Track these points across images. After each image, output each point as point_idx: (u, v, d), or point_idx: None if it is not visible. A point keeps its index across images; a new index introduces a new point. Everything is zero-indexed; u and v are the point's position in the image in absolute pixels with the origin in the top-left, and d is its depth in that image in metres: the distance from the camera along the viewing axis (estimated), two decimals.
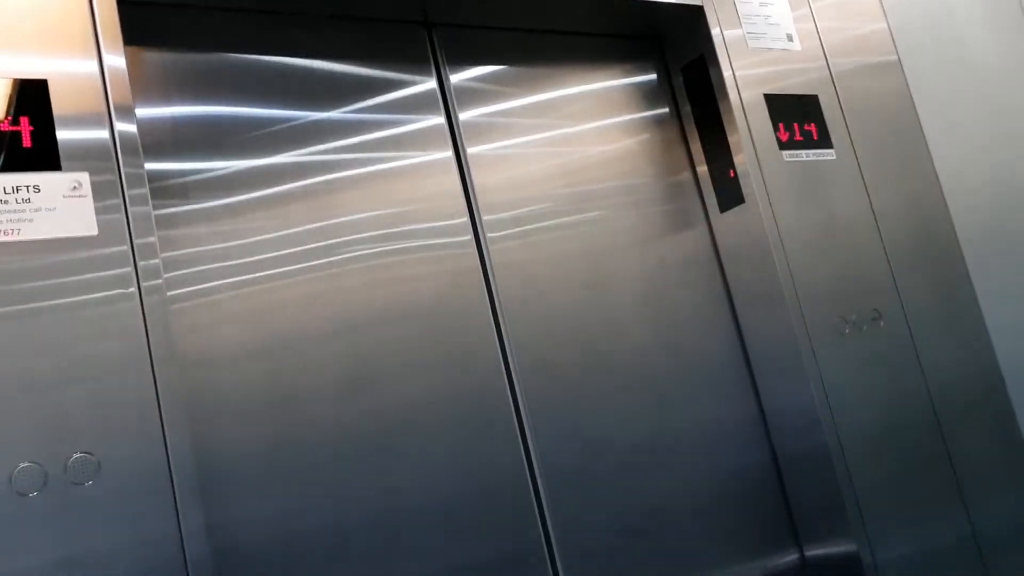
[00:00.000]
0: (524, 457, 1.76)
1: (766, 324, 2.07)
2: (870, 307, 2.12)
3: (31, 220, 1.25)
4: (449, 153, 1.87)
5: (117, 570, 1.20)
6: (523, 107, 2.01)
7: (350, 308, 1.66)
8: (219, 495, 1.43)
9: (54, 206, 1.27)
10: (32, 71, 1.32)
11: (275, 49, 1.74)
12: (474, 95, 1.95)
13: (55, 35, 1.36)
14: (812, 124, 2.19)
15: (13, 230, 1.24)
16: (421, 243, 1.78)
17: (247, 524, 1.47)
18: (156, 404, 1.28)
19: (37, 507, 1.18)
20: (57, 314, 1.25)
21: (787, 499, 2.08)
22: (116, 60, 1.38)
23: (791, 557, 2.05)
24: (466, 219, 1.85)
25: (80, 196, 1.29)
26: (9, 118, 1.28)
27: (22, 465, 1.19)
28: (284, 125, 1.71)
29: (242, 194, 1.63)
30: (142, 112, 1.55)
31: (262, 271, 1.60)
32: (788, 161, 2.12)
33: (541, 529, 1.74)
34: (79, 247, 1.27)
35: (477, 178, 1.88)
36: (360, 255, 1.70)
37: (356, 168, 1.76)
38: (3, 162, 1.26)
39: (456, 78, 1.93)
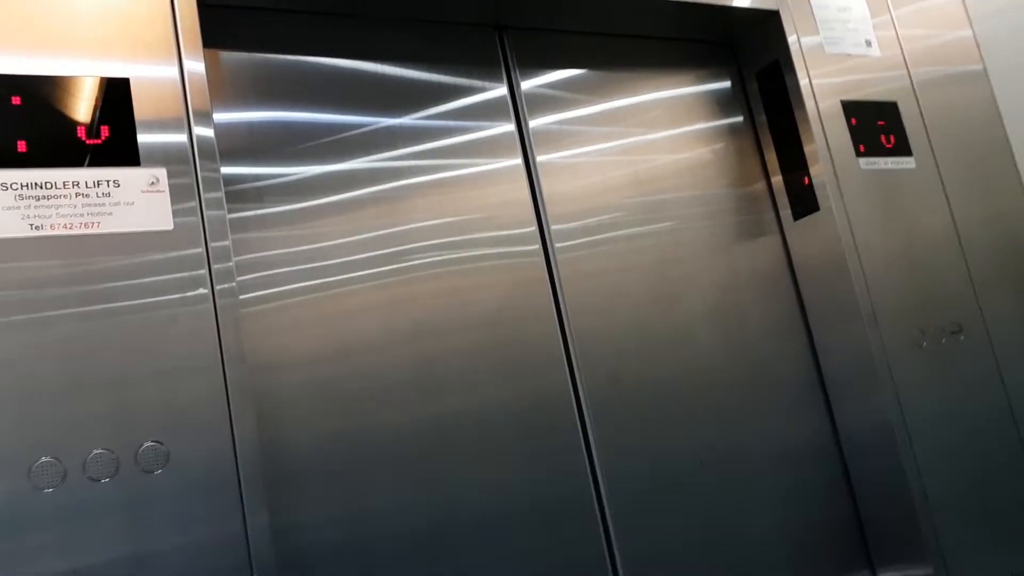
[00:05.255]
0: (588, 469, 1.75)
1: (840, 336, 2.02)
2: (950, 321, 2.06)
3: (110, 213, 1.29)
4: (519, 161, 1.88)
5: (184, 563, 1.22)
6: (593, 115, 2.00)
7: (418, 314, 1.67)
8: (283, 497, 1.45)
9: (132, 200, 1.31)
10: (115, 72, 1.36)
11: (348, 52, 1.77)
12: (544, 102, 1.95)
13: (138, 38, 1.39)
14: (891, 131, 2.14)
15: (94, 223, 1.28)
16: (489, 251, 1.78)
17: (310, 527, 1.48)
18: (226, 402, 1.30)
19: (109, 494, 1.21)
20: (134, 312, 1.27)
21: (860, 519, 2.02)
22: (196, 65, 1.41)
23: None
24: (534, 228, 1.85)
25: (157, 191, 1.32)
26: (92, 115, 1.32)
27: (95, 452, 1.21)
28: (356, 131, 1.73)
29: (314, 199, 1.65)
30: (218, 116, 1.58)
31: (332, 276, 1.62)
32: (865, 169, 2.07)
33: (604, 543, 1.72)
34: (156, 247, 1.30)
35: (546, 186, 1.88)
36: (429, 262, 1.71)
37: (426, 175, 1.77)
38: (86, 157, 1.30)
39: (527, 84, 1.93)
